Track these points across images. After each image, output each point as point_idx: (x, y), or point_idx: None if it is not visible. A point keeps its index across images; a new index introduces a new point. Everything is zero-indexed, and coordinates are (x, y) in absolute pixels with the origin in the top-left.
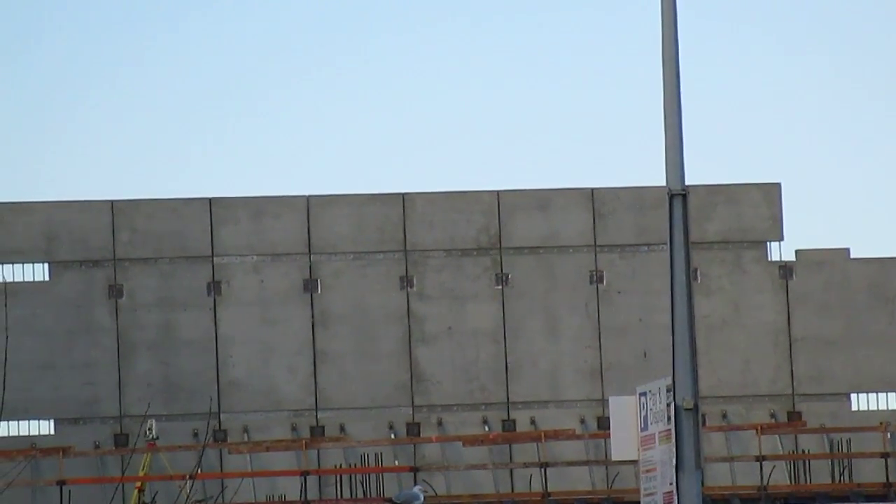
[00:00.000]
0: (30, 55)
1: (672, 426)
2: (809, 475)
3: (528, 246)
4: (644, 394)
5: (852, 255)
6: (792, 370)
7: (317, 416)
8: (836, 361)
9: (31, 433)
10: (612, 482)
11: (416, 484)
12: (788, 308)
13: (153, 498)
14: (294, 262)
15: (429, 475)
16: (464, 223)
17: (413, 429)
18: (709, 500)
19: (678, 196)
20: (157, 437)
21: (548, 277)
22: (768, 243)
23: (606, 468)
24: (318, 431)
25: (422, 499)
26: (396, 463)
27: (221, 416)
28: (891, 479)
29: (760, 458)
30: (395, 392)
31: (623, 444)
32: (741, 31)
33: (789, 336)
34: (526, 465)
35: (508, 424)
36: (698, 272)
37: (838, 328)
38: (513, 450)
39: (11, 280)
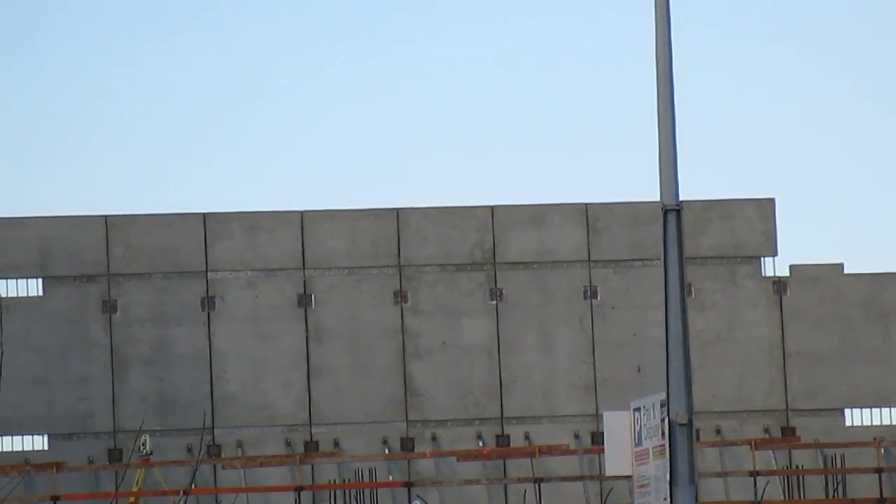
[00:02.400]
0: (22, 70)
1: (666, 441)
2: (803, 490)
3: (522, 261)
4: (638, 409)
5: (846, 271)
6: (786, 385)
7: (311, 431)
8: (830, 377)
9: (25, 448)
10: (606, 497)
11: (415, 498)
12: (782, 323)
13: None
14: (288, 277)
15: (423, 490)
16: (458, 238)
17: (407, 444)
18: None
19: (672, 211)
20: (152, 453)
21: (542, 293)
22: (762, 258)
23: (600, 483)
24: (312, 446)
25: None
26: (391, 478)
27: (215, 431)
28: (884, 495)
29: (754, 474)
30: (390, 407)
31: (617, 459)
32: (735, 46)
33: (783, 351)
34: (520, 481)
35: (502, 439)
36: (692, 287)
37: (832, 343)
38: (507, 465)
39: (5, 295)
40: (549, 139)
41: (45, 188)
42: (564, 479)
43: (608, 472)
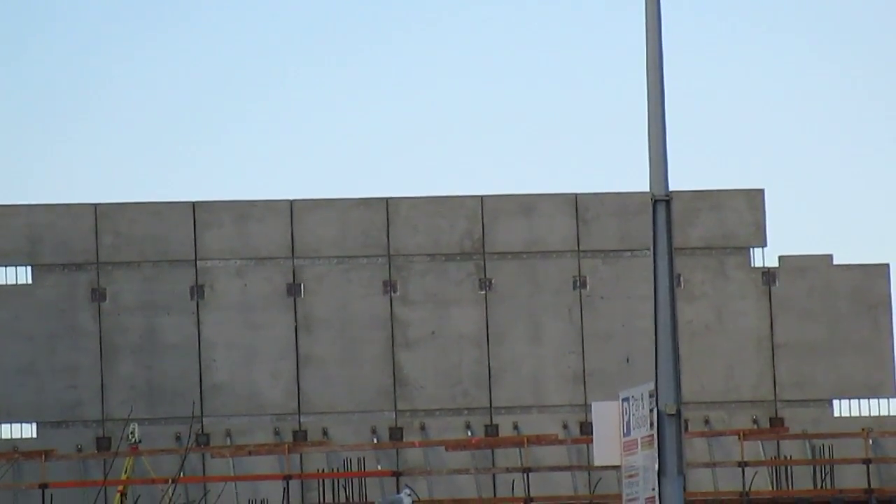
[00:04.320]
0: (15, 60)
1: (654, 431)
2: (791, 481)
3: (511, 251)
4: (627, 399)
5: (835, 262)
6: (774, 376)
7: (300, 420)
8: (819, 367)
9: (14, 436)
10: (595, 487)
11: (404, 487)
12: (771, 314)
13: (135, 502)
14: (278, 266)
15: (411, 480)
16: (448, 228)
17: (396, 433)
18: None
19: (662, 202)
20: (140, 441)
21: (531, 283)
22: (751, 249)
23: (589, 473)
24: (300, 436)
25: (407, 503)
26: (379, 467)
27: (204, 419)
28: (872, 485)
29: (742, 464)
30: (378, 396)
31: (605, 449)
32: (726, 37)
33: (772, 342)
34: (508, 470)
35: (491, 429)
36: (681, 278)
37: (821, 334)
38: (495, 454)
39: None
40: (539, 129)
41: (34, 176)
42: (553, 468)
43: (596, 462)
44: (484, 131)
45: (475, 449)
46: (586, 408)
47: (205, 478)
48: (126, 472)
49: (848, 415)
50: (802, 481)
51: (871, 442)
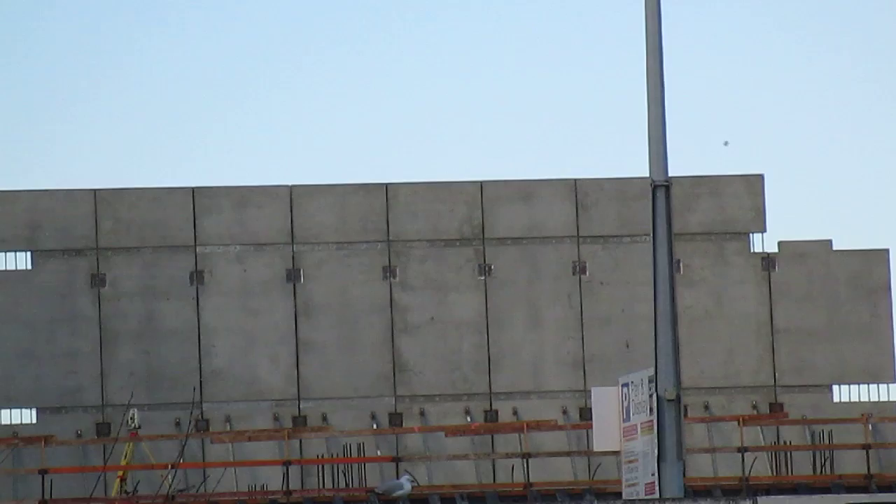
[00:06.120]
0: (14, 46)
1: (654, 417)
2: (791, 466)
3: (511, 237)
4: (626, 384)
5: (835, 247)
6: (774, 361)
7: (299, 405)
8: (819, 353)
9: (13, 422)
10: (595, 473)
11: (404, 473)
12: (771, 299)
13: (135, 487)
14: (277, 251)
15: (411, 465)
16: (447, 214)
17: (395, 419)
18: (690, 491)
19: (661, 187)
20: (140, 427)
21: (531, 268)
22: (751, 235)
23: (588, 459)
24: (300, 421)
25: (407, 488)
26: (379, 453)
27: (204, 405)
28: (872, 471)
29: (742, 450)
30: (378, 382)
31: (605, 434)
32: (725, 22)
33: (771, 327)
34: (508, 456)
35: (491, 415)
36: (681, 263)
37: (821, 320)
38: (495, 440)
39: None
40: (539, 114)
41: (34, 161)
42: (552, 454)
43: (596, 448)
44: (483, 117)
45: (475, 434)
46: (586, 393)
47: (204, 463)
48: (126, 457)
49: (847, 400)
50: (802, 467)
51: (870, 427)
